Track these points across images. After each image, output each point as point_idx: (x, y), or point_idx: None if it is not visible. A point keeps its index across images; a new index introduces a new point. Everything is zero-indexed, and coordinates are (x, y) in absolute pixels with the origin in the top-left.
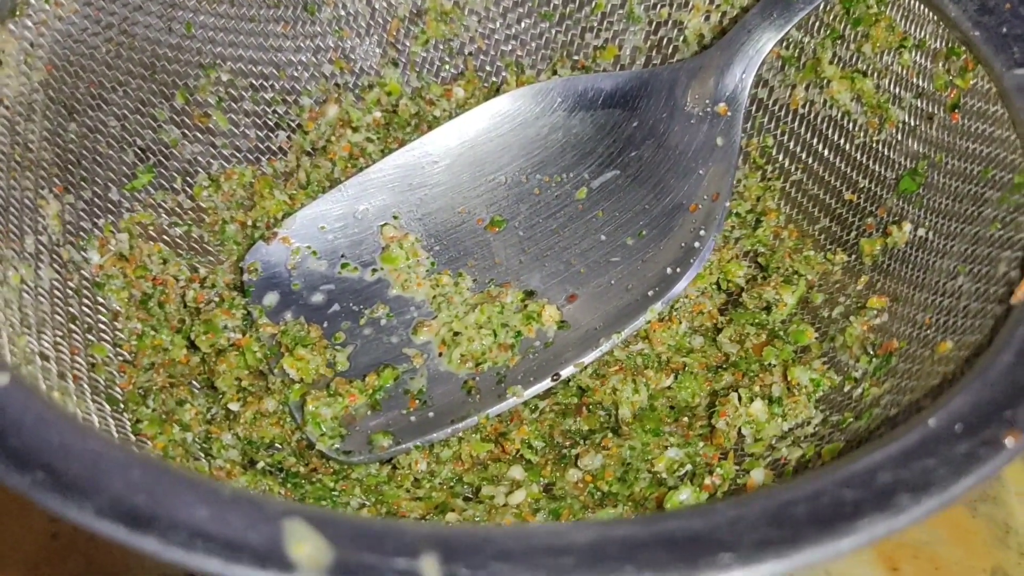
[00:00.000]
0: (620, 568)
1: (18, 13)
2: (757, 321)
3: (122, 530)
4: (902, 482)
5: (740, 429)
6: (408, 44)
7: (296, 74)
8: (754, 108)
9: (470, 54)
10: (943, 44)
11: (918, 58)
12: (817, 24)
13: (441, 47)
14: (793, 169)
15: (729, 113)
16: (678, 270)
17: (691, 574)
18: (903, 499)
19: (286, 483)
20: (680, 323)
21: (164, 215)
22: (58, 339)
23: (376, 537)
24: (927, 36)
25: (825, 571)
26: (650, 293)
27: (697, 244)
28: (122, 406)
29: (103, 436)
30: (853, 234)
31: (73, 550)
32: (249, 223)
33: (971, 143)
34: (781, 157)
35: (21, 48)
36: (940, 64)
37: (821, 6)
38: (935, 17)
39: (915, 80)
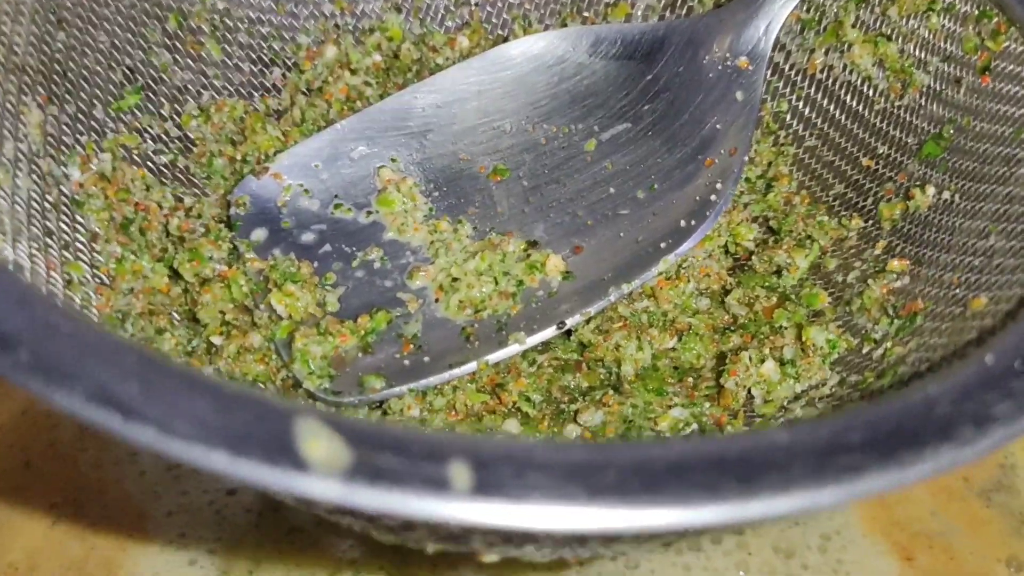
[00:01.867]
0: (666, 486)
1: None
2: (767, 284)
3: (116, 418)
4: (964, 414)
5: (750, 390)
6: None
7: (295, 10)
8: (769, 72)
9: (476, 4)
10: (974, 7)
11: (946, 21)
12: None
13: None
14: (808, 135)
15: (751, 67)
16: (692, 222)
17: (746, 497)
18: (967, 430)
19: None
20: (688, 282)
21: (150, 141)
22: (33, 251)
23: (399, 441)
24: (958, 0)
25: (838, 560)
26: (662, 245)
27: (713, 197)
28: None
29: (92, 321)
30: (870, 200)
31: (72, 536)
32: (238, 158)
33: (1002, 105)
34: (795, 123)
35: None
36: (971, 27)
37: None
38: None
39: (943, 44)
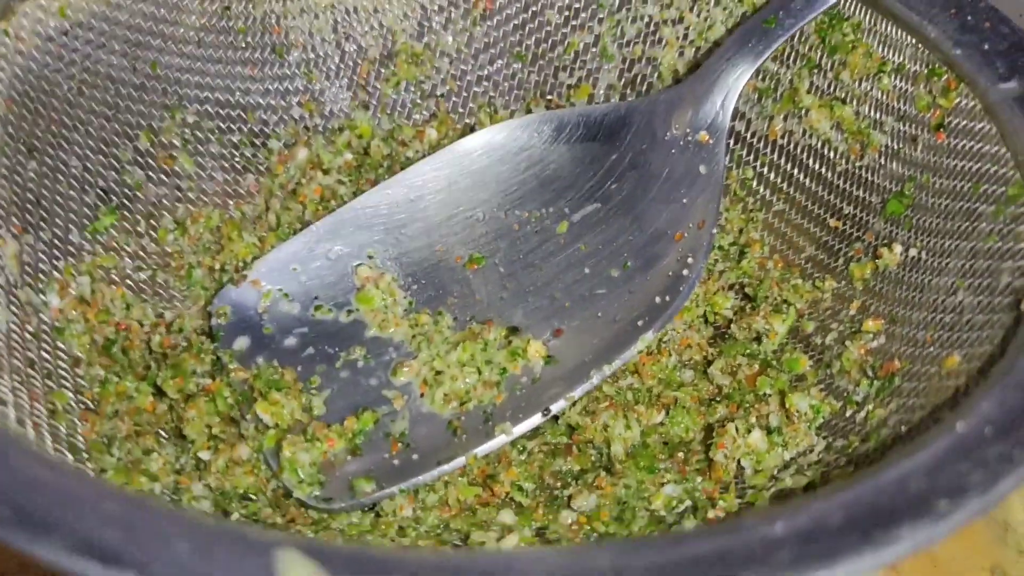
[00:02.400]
0: None
1: None
2: (748, 352)
3: (96, 567)
4: (938, 488)
5: (739, 461)
6: (379, 86)
7: (264, 117)
8: (732, 141)
9: (442, 95)
10: (923, 66)
11: (898, 82)
12: (793, 55)
13: (412, 89)
14: (775, 200)
15: (711, 140)
16: (667, 298)
17: None
18: (941, 504)
19: None
20: (670, 355)
21: (127, 259)
22: (16, 384)
23: (375, 564)
24: (906, 60)
25: None
26: (639, 323)
27: (685, 272)
28: (85, 455)
29: (73, 469)
30: (841, 260)
31: None
32: (217, 267)
33: (959, 161)
34: (762, 188)
35: None
36: (921, 86)
37: (796, 37)
38: (914, 41)
39: (896, 104)
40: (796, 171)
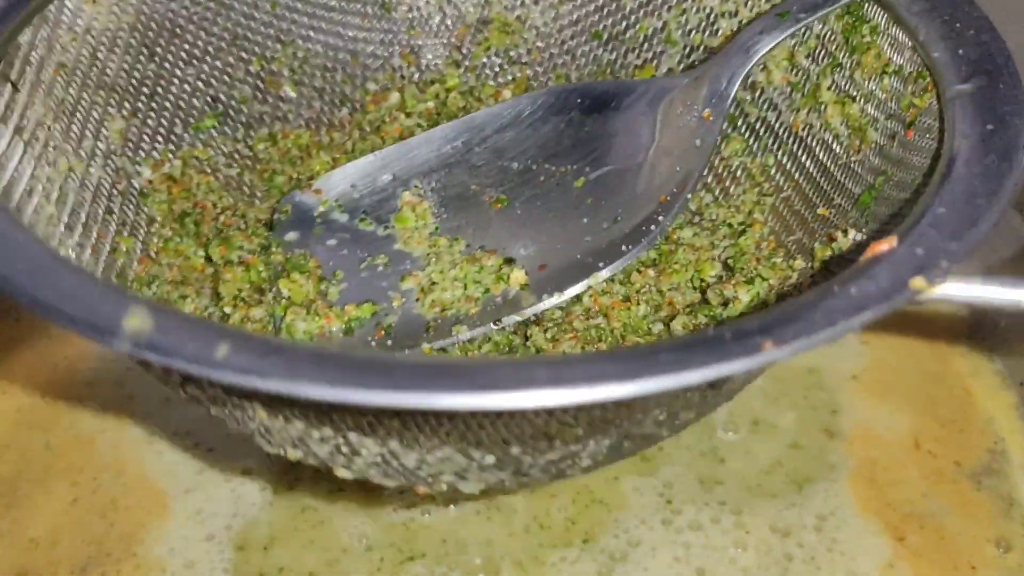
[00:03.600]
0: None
1: None
2: (712, 314)
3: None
4: None
5: None
6: (471, 48)
7: (367, 62)
8: (763, 130)
9: (525, 63)
10: (914, 68)
11: (895, 83)
12: (823, 53)
13: (501, 55)
14: (785, 186)
15: (711, 117)
16: (630, 247)
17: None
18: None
19: None
20: (639, 305)
21: (221, 156)
22: (89, 222)
23: (193, 326)
24: (905, 62)
25: (832, 539)
26: (600, 264)
27: (653, 227)
28: (128, 283)
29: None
30: (816, 244)
31: (92, 514)
32: (295, 176)
33: (916, 157)
34: (778, 175)
35: None
36: (909, 87)
37: (826, 36)
38: (911, 43)
39: (889, 103)
40: (808, 161)
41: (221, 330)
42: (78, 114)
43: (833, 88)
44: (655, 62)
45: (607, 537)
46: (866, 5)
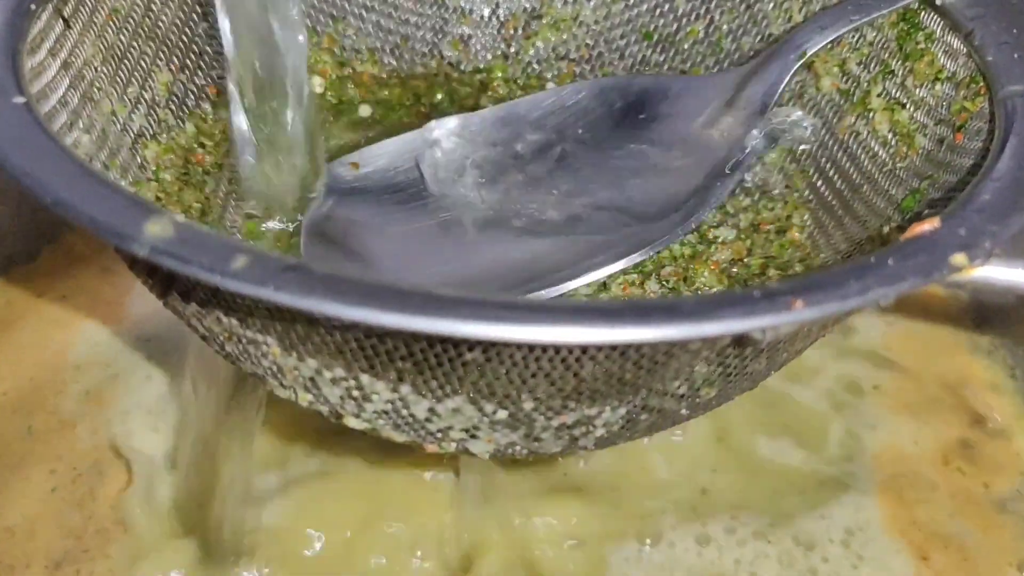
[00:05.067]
0: None
1: None
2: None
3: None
4: None
5: None
6: (520, 43)
7: (416, 47)
8: (814, 138)
9: (573, 60)
10: (968, 73)
11: (948, 89)
12: (875, 61)
13: (549, 51)
14: (827, 193)
15: (756, 116)
16: (663, 236)
17: None
18: None
19: None
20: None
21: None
22: (123, 162)
23: (213, 239)
24: (959, 68)
25: (858, 555)
26: (629, 250)
27: (689, 219)
28: None
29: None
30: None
31: (71, 504)
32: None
33: (963, 159)
34: (819, 181)
35: None
36: (961, 92)
37: (879, 44)
38: (965, 49)
39: (940, 109)
40: (852, 169)
41: (241, 245)
42: (126, 60)
43: (883, 95)
44: (703, 64)
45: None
46: (922, 13)
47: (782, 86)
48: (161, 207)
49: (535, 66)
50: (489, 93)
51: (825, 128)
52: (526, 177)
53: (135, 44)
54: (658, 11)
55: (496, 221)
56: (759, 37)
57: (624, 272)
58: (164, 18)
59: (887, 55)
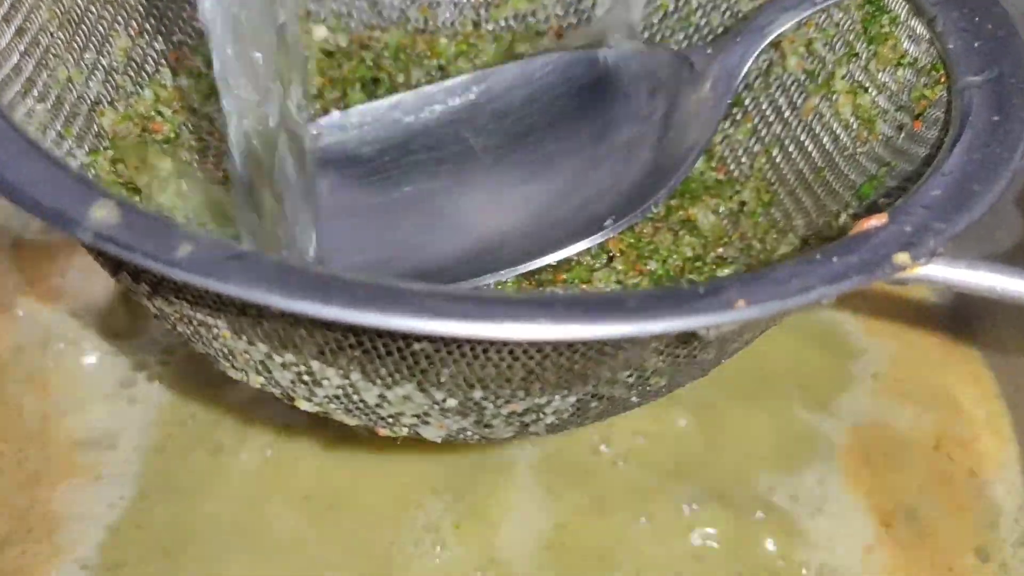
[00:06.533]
0: None
1: None
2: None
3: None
4: None
5: None
6: (490, 12)
7: (383, 12)
8: (772, 115)
9: (541, 32)
10: (929, 60)
11: (909, 75)
12: (840, 42)
13: (519, 20)
14: (789, 175)
15: (721, 95)
16: (627, 213)
17: None
18: None
19: None
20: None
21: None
22: (79, 131)
23: (160, 225)
24: (921, 54)
25: (818, 508)
26: (594, 230)
27: (653, 196)
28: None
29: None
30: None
31: (16, 487)
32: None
33: (921, 148)
34: (783, 164)
35: None
36: (921, 79)
37: (845, 25)
38: (928, 35)
39: (901, 95)
40: (815, 151)
41: (188, 232)
42: (84, 25)
43: (847, 77)
44: (672, 39)
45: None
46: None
47: (747, 66)
48: (110, 188)
49: (505, 37)
50: (457, 63)
51: (790, 108)
52: (488, 154)
53: (93, 7)
54: None
55: (454, 201)
56: (727, 13)
57: (590, 251)
58: None
59: (852, 37)
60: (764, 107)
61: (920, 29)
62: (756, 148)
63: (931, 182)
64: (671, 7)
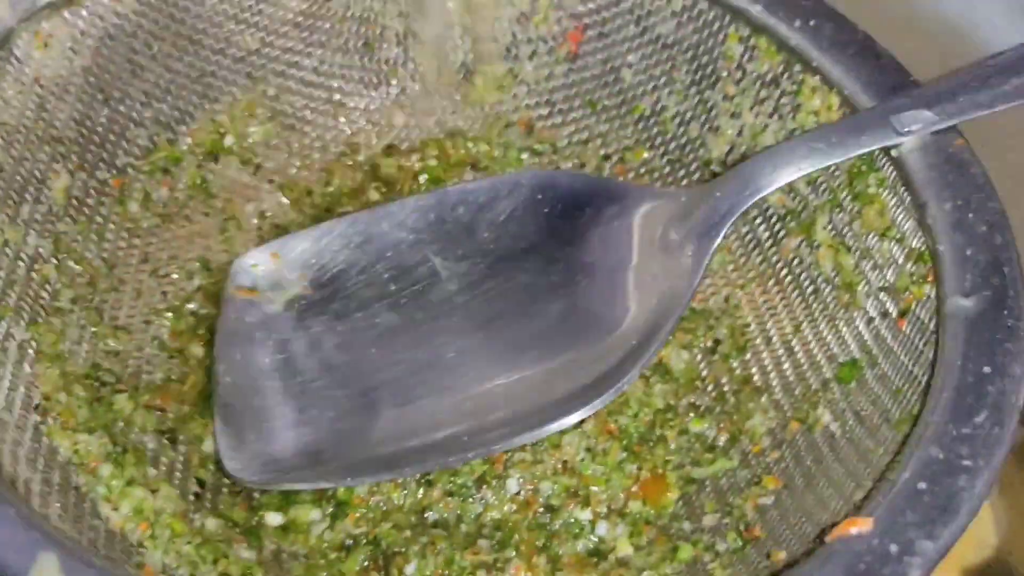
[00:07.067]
0: None
1: (75, 2)
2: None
3: None
4: None
5: None
6: (458, 98)
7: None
8: (752, 245)
9: (509, 124)
10: (921, 244)
11: (896, 252)
12: (824, 187)
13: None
14: (766, 319)
15: (698, 253)
16: (594, 397)
17: None
18: None
19: None
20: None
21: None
22: (21, 301)
23: None
24: (908, 234)
25: None
26: (559, 414)
27: (620, 378)
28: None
29: None
30: (788, 405)
31: None
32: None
33: (904, 356)
34: (760, 301)
35: (71, 35)
36: (909, 264)
37: (831, 169)
38: (918, 216)
39: (886, 272)
40: (796, 296)
41: None
42: (18, 177)
43: (829, 228)
44: (648, 144)
45: None
46: (880, 157)
47: (733, 219)
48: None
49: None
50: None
51: (770, 242)
52: (454, 283)
53: (29, 153)
54: (604, 80)
55: (421, 353)
56: (707, 126)
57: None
58: (60, 114)
59: (836, 184)
60: (744, 234)
61: (909, 201)
62: (734, 278)
63: (913, 463)
64: (647, 111)
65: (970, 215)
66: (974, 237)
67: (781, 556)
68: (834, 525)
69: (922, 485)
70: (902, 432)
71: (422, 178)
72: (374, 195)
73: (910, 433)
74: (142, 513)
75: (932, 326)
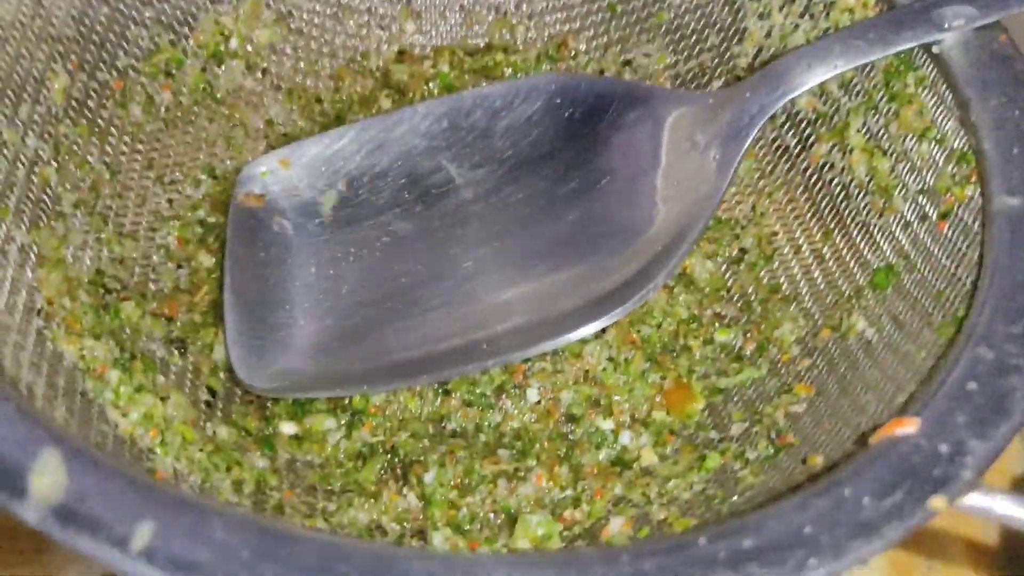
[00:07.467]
0: None
1: None
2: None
3: None
4: None
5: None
6: None
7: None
8: (779, 152)
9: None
10: (962, 145)
11: (936, 153)
12: (858, 88)
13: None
14: (795, 229)
15: (726, 157)
16: (619, 304)
17: None
18: None
19: None
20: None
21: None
22: (16, 202)
23: (112, 494)
24: (949, 132)
25: None
26: (583, 322)
27: (646, 286)
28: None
29: None
30: (819, 314)
31: None
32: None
33: (946, 258)
34: (788, 212)
35: None
36: (950, 166)
37: (866, 69)
38: (960, 115)
39: (925, 175)
40: (825, 204)
41: (149, 496)
42: (15, 75)
43: (864, 132)
44: (671, 48)
45: None
46: (918, 50)
47: (763, 121)
48: (49, 424)
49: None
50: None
51: (799, 148)
52: (470, 189)
53: (25, 51)
54: None
55: (437, 262)
56: (733, 28)
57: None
58: (58, 11)
59: (871, 86)
60: (771, 140)
61: (950, 99)
62: (761, 186)
63: (963, 365)
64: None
65: (1016, 112)
66: (1021, 135)
67: (818, 460)
68: (875, 428)
69: (972, 385)
70: (946, 335)
71: (434, 86)
72: (385, 103)
73: (956, 334)
74: (152, 420)
75: (976, 227)
